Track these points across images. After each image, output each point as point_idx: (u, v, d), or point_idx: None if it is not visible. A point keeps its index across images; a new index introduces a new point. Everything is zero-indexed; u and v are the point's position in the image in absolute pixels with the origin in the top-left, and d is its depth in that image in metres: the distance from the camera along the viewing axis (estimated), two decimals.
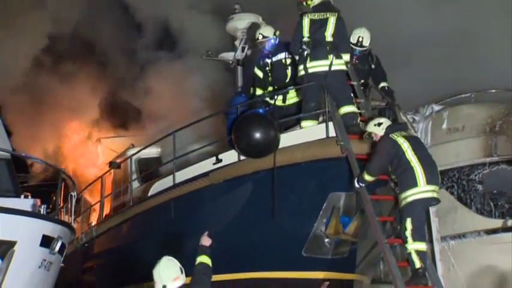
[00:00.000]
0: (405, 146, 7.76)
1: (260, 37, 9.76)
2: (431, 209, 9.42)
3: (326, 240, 8.82)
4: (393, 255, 7.73)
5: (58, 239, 8.21)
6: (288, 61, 9.64)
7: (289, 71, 9.66)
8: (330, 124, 8.57)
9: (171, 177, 10.23)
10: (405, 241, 7.62)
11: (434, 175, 7.76)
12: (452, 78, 11.48)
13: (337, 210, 8.65)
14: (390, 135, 7.88)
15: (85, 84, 18.87)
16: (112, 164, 12.82)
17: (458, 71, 11.69)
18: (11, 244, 7.57)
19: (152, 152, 12.43)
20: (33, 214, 8.49)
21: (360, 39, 9.49)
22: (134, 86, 16.53)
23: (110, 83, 19.01)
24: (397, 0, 12.76)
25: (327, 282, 8.94)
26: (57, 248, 8.20)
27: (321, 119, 8.93)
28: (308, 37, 8.82)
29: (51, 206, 10.52)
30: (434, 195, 7.72)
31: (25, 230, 7.77)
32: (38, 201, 9.59)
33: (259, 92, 9.81)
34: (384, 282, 10.32)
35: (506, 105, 9.78)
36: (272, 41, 9.68)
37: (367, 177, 7.86)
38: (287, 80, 9.68)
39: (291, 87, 9.42)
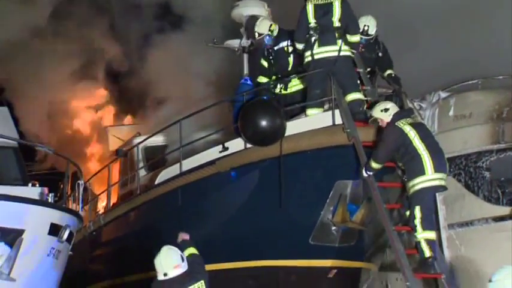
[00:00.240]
0: (412, 134, 7.73)
1: (256, 35, 9.75)
2: (439, 197, 9.40)
3: (333, 228, 8.82)
4: (401, 242, 7.73)
5: (66, 227, 8.25)
6: (290, 49, 9.58)
7: (291, 59, 9.62)
8: (336, 111, 8.54)
9: (177, 165, 10.24)
10: (414, 230, 7.61)
11: (442, 163, 7.74)
12: (462, 60, 11.31)
13: (344, 198, 8.65)
14: (396, 123, 7.84)
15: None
16: (119, 152, 12.84)
17: (468, 53, 11.54)
18: (20, 232, 7.60)
19: (159, 140, 12.44)
20: (41, 202, 8.53)
21: (366, 28, 9.41)
22: (139, 72, 16.53)
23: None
24: None
25: (335, 270, 8.96)
26: (65, 236, 8.24)
27: (326, 106, 8.91)
28: (315, 23, 8.79)
29: (58, 194, 10.53)
30: (442, 183, 7.70)
31: (33, 218, 7.81)
32: (46, 190, 9.62)
33: (263, 80, 9.79)
34: (392, 269, 10.32)
35: None
36: (267, 37, 9.64)
37: (374, 165, 7.83)
38: (289, 68, 9.64)
39: (294, 75, 9.38)
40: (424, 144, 7.68)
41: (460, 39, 12.01)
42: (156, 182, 10.86)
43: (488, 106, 9.73)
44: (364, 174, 7.98)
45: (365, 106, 8.82)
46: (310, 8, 8.83)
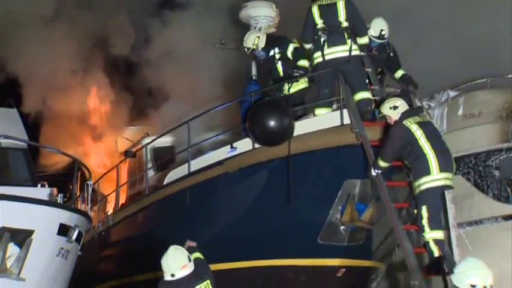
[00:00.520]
0: (418, 133, 7.68)
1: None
2: (448, 196, 9.34)
3: (341, 227, 8.81)
4: (409, 241, 7.71)
5: (75, 228, 8.29)
6: (277, 56, 9.64)
7: (279, 65, 9.67)
8: (345, 111, 8.53)
9: (186, 165, 10.26)
10: (422, 230, 7.56)
11: (448, 162, 7.68)
12: (471, 59, 11.26)
13: (353, 197, 8.64)
14: (404, 122, 7.81)
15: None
16: (127, 153, 12.89)
17: (477, 51, 11.49)
18: (29, 233, 7.65)
19: (167, 140, 12.47)
20: (50, 203, 8.60)
21: (383, 32, 9.32)
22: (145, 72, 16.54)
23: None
24: None
25: (343, 270, 8.95)
26: (74, 237, 8.28)
27: (335, 106, 8.91)
28: (323, 23, 8.79)
29: (67, 195, 10.59)
30: (448, 182, 7.63)
31: (42, 218, 7.86)
32: (55, 190, 9.68)
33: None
34: (400, 269, 10.29)
35: None
36: (255, 51, 9.73)
37: (382, 163, 7.82)
38: (281, 74, 9.69)
39: (299, 75, 9.36)
40: (430, 144, 7.63)
41: (468, 38, 11.95)
42: (165, 183, 10.89)
43: (497, 105, 9.70)
44: (373, 173, 7.96)
45: (373, 105, 8.81)
46: (315, 9, 8.84)
